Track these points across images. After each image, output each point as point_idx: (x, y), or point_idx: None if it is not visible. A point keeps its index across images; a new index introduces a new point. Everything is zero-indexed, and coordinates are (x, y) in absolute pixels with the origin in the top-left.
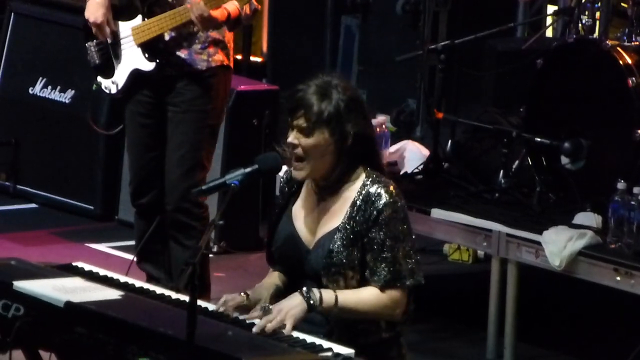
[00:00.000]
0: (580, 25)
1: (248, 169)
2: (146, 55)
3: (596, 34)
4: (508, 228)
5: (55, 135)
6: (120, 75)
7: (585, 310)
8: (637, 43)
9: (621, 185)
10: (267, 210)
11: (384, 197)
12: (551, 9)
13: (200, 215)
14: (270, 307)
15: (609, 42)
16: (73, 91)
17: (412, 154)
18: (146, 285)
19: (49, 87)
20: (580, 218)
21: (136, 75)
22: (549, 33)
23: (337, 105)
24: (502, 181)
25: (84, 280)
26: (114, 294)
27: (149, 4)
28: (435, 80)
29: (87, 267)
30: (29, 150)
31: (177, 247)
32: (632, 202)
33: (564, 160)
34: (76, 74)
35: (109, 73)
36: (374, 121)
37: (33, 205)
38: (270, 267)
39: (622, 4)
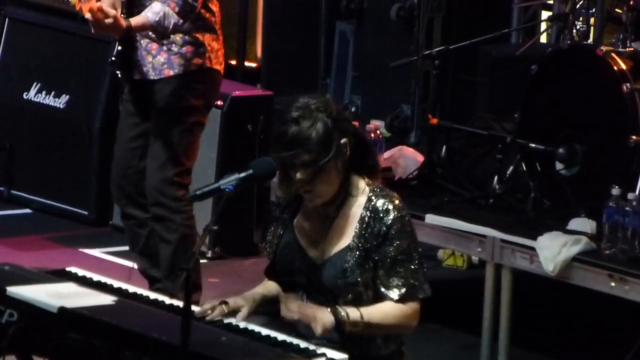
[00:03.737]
0: (574, 31)
1: (242, 174)
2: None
3: (591, 40)
4: (502, 234)
5: (50, 141)
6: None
7: (580, 316)
8: (632, 49)
9: (615, 191)
10: (261, 215)
11: (392, 212)
12: (546, 14)
13: (178, 208)
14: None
15: (603, 48)
16: (68, 96)
17: (406, 160)
18: (140, 291)
19: (44, 93)
20: (575, 224)
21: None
22: (543, 39)
23: (326, 126)
24: (497, 187)
25: (78, 285)
26: (107, 299)
27: (128, 4)
28: (430, 86)
29: (81, 272)
30: (23, 155)
31: (159, 242)
32: (627, 208)
33: (559, 166)
34: (71, 79)
35: None
36: (368, 127)
37: (27, 210)
38: (267, 278)
39: (617, 10)
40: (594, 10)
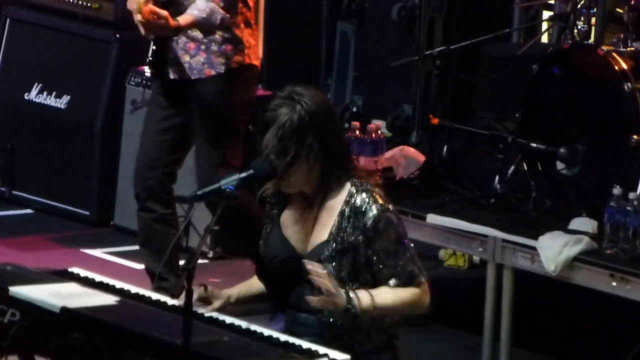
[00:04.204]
0: (575, 30)
1: (243, 174)
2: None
3: (592, 40)
4: (504, 233)
5: (51, 141)
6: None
7: (581, 316)
8: (633, 49)
9: (617, 190)
10: (262, 216)
11: (375, 206)
12: (547, 14)
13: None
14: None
15: (604, 48)
16: (69, 97)
17: (407, 160)
18: (142, 291)
19: (45, 93)
20: (576, 223)
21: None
22: (544, 39)
23: (302, 119)
24: (498, 187)
25: (80, 285)
26: (109, 299)
27: (163, 4)
28: (431, 85)
29: (83, 272)
30: (25, 155)
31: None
32: (628, 208)
33: (560, 165)
34: (72, 79)
35: None
36: (369, 127)
37: (29, 210)
38: (257, 276)
39: (618, 10)
40: (595, 10)
